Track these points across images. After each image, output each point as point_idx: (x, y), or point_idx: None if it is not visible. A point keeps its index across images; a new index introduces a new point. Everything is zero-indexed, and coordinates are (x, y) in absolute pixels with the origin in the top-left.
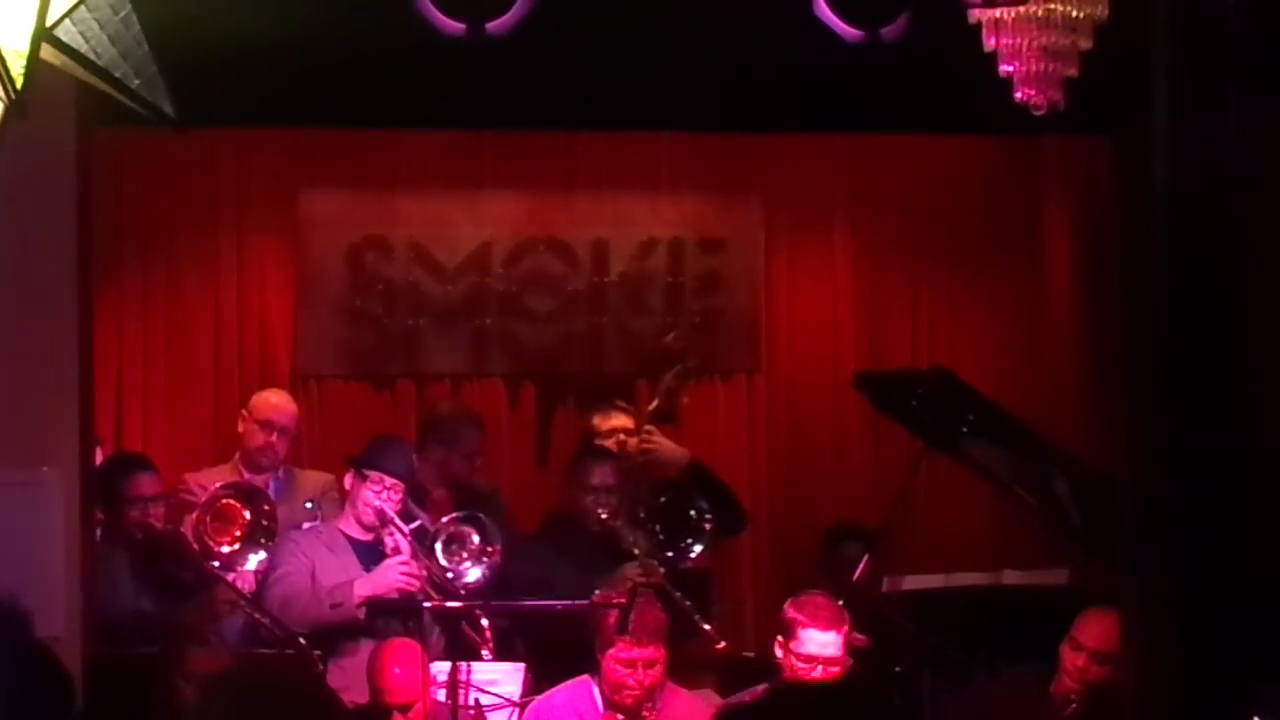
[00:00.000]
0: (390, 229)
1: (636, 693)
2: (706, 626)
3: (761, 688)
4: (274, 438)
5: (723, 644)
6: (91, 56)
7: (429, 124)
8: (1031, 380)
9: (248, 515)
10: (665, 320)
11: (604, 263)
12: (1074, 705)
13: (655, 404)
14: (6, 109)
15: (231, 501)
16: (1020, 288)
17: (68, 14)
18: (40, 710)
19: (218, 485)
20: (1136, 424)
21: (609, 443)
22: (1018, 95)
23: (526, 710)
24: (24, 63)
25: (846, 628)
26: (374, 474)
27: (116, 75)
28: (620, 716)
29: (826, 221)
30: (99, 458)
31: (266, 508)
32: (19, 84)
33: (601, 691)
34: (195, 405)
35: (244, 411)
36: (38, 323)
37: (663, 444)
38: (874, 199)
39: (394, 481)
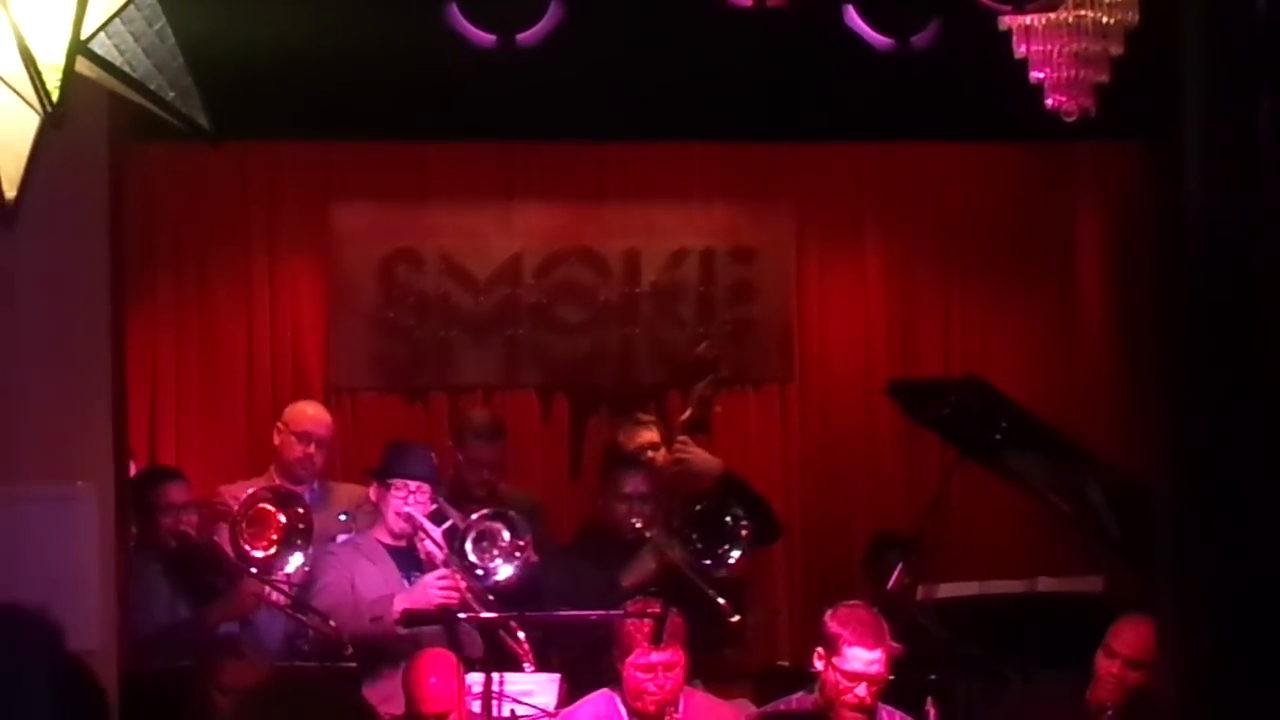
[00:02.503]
0: (421, 241)
1: (659, 696)
2: (721, 601)
3: (797, 696)
4: (312, 449)
5: (738, 618)
6: (126, 69)
7: (459, 135)
8: (1065, 387)
9: (283, 519)
10: (697, 330)
11: (635, 273)
12: (1109, 712)
13: (688, 414)
14: (42, 122)
15: (266, 506)
16: (1053, 295)
17: (103, 27)
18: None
19: (253, 489)
20: (1171, 430)
21: (646, 427)
22: (1049, 102)
23: None
24: (59, 76)
25: (888, 641)
26: (396, 481)
27: (151, 88)
28: None
29: (858, 230)
30: (131, 471)
31: (301, 510)
32: (54, 97)
33: (624, 700)
34: (228, 418)
35: (279, 424)
36: (71, 337)
37: (696, 454)
38: (905, 207)
39: (418, 484)
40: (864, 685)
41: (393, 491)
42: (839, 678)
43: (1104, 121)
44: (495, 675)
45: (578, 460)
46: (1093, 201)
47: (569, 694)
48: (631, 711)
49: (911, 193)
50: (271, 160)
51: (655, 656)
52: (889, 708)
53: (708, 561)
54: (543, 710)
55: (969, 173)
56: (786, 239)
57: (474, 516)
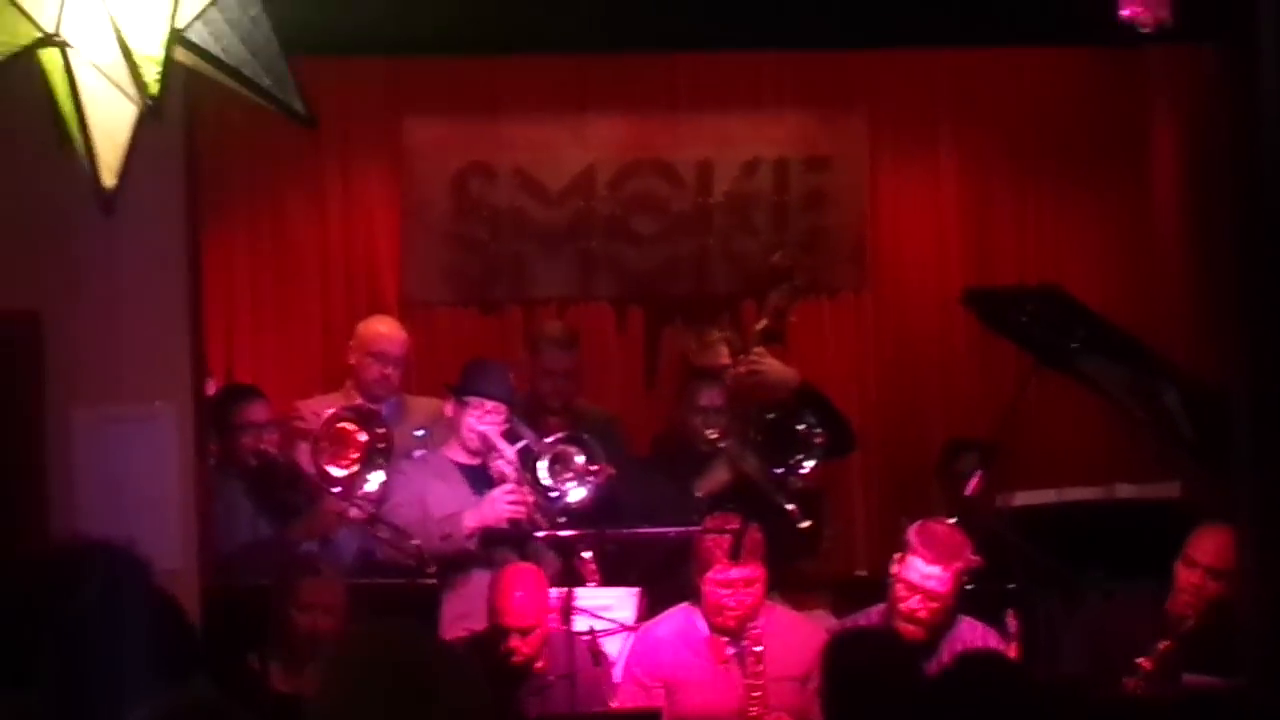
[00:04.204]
0: (494, 155)
1: (739, 612)
2: (790, 507)
3: (876, 609)
4: (389, 370)
5: (807, 523)
6: (222, 56)
7: (531, 48)
8: (1141, 293)
9: (363, 438)
10: (771, 240)
11: (709, 183)
12: (1189, 622)
13: (763, 324)
14: (140, 113)
15: (347, 425)
16: (1128, 200)
17: (199, 16)
18: (165, 659)
19: (333, 409)
20: (1247, 335)
21: (716, 351)
22: (1124, 13)
23: (632, 641)
24: (157, 68)
25: (959, 564)
26: (473, 399)
27: (246, 74)
28: (725, 639)
29: (931, 137)
30: (210, 389)
31: (381, 429)
32: (153, 89)
33: (703, 616)
34: (304, 335)
35: (353, 343)
36: (146, 259)
37: (771, 365)
38: (979, 113)
39: (494, 405)
40: (919, 598)
41: (469, 409)
42: (899, 585)
43: (1179, 24)
44: (574, 590)
45: (653, 371)
46: (1167, 105)
47: (648, 607)
48: (711, 626)
49: (985, 99)
50: (344, 77)
51: (735, 572)
52: (970, 619)
53: (781, 470)
54: (622, 624)
55: (1043, 78)
56: (860, 147)
57: (549, 440)
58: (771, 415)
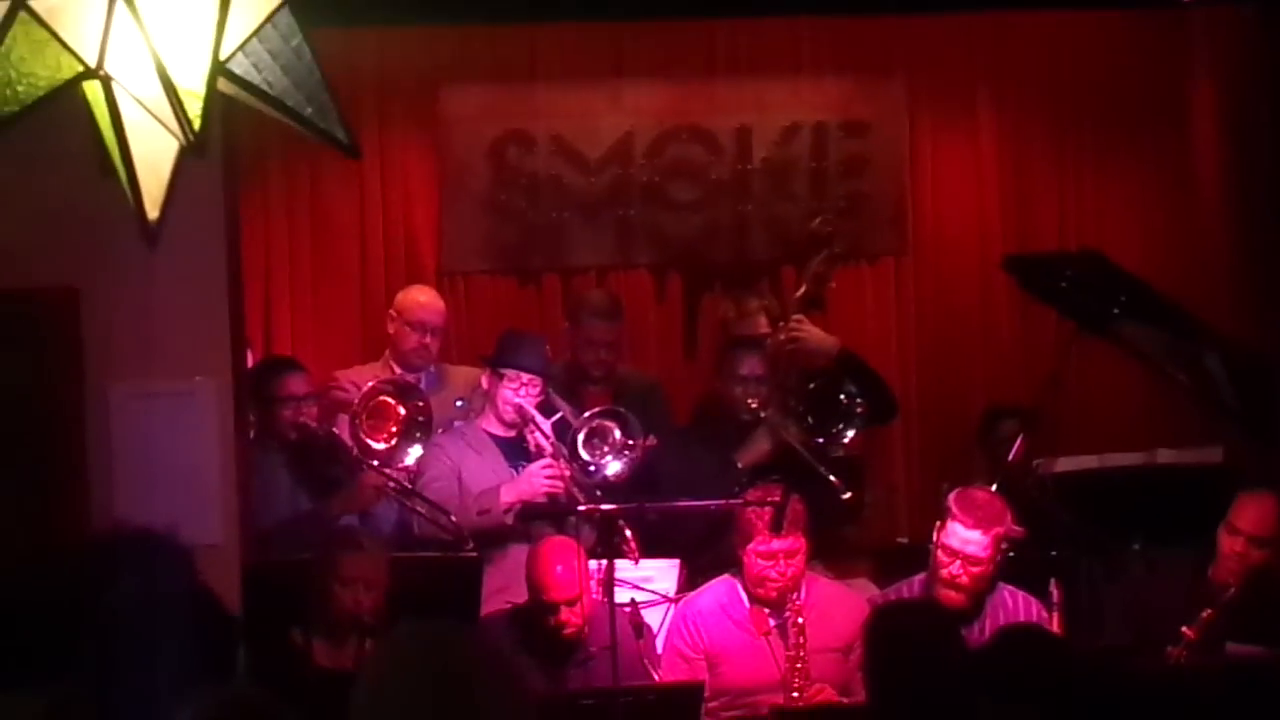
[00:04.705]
0: (531, 123)
1: (781, 583)
2: (833, 478)
3: (918, 578)
4: (427, 339)
5: (849, 494)
6: (264, 87)
7: (567, 16)
8: (1182, 258)
9: (403, 411)
10: (810, 206)
11: (747, 150)
12: (1232, 590)
13: (802, 290)
14: (183, 149)
15: (386, 398)
16: (1169, 163)
17: (241, 47)
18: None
19: (372, 382)
20: None
21: (755, 321)
22: None
23: (674, 613)
24: (200, 103)
25: (999, 530)
26: (509, 371)
27: (289, 104)
28: (766, 611)
29: (970, 101)
30: (249, 361)
31: (421, 403)
32: (196, 124)
33: (745, 587)
34: (342, 305)
35: (392, 312)
36: (184, 232)
37: (811, 332)
38: (1018, 77)
39: (530, 377)
40: (959, 564)
41: (505, 381)
42: (940, 552)
43: None
44: (614, 562)
45: (693, 338)
46: (1207, 67)
47: (689, 578)
48: (753, 598)
49: (1024, 63)
50: (380, 46)
51: (776, 544)
52: (1010, 587)
53: (822, 439)
54: (664, 595)
55: (1081, 42)
56: (898, 112)
57: (586, 415)
58: (813, 384)
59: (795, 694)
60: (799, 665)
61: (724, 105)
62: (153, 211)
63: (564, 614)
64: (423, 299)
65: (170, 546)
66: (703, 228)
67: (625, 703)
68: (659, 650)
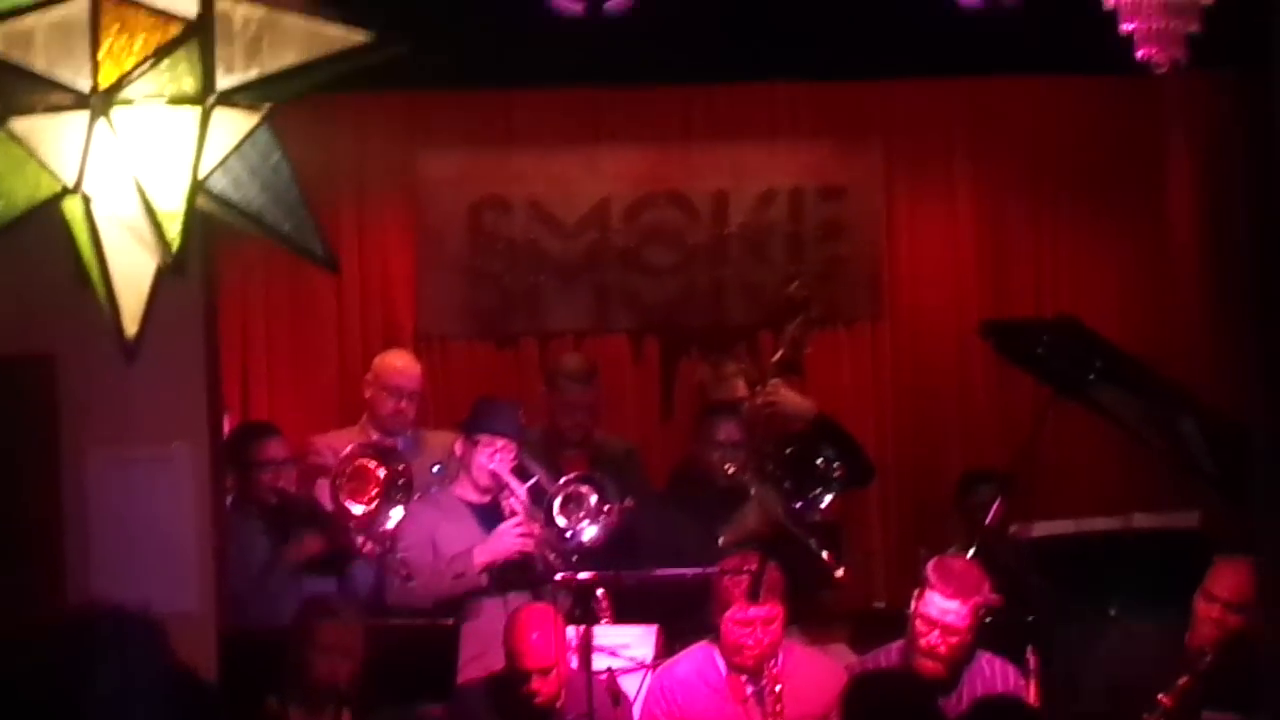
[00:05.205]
0: (509, 187)
1: (758, 651)
2: (825, 554)
3: (895, 645)
4: (403, 404)
5: (842, 572)
6: (243, 204)
7: (545, 82)
8: (1158, 322)
9: (383, 474)
10: (787, 270)
11: (724, 214)
12: (1209, 657)
13: (780, 355)
14: (161, 270)
15: (365, 462)
16: (1145, 229)
17: (220, 164)
18: None
19: (352, 446)
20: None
21: (732, 385)
22: (1139, 54)
23: (651, 680)
24: (179, 224)
25: (978, 599)
26: (483, 437)
27: (267, 221)
28: (744, 678)
29: (947, 166)
30: (227, 426)
31: (401, 465)
32: (175, 246)
33: (722, 654)
34: (320, 369)
35: (369, 377)
36: (163, 297)
37: (788, 396)
38: (995, 143)
39: (505, 442)
40: (938, 633)
41: (479, 447)
42: (918, 621)
43: (1194, 51)
44: (591, 629)
45: (670, 402)
46: (1184, 133)
47: (667, 645)
48: (730, 665)
49: (1001, 128)
50: (358, 111)
51: (753, 611)
52: (988, 655)
53: (800, 505)
54: (641, 663)
55: (1058, 107)
56: (875, 176)
57: (561, 480)
58: (790, 449)
59: None
60: None
61: (701, 170)
62: (131, 328)
63: (536, 682)
64: (399, 364)
65: (145, 624)
66: (680, 292)
67: None
68: (636, 718)
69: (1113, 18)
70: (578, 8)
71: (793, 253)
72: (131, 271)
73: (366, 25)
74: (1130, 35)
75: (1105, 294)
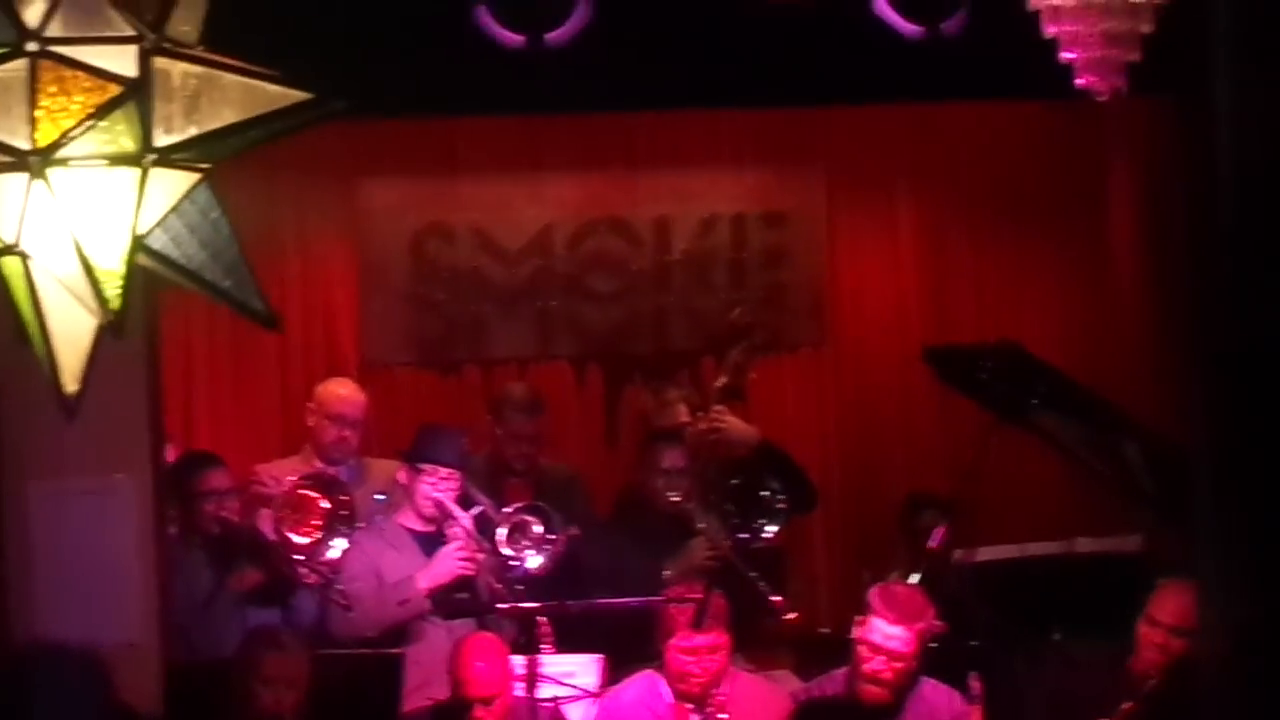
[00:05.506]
0: (452, 215)
1: (703, 679)
2: (776, 598)
3: (840, 672)
4: (346, 432)
5: (793, 615)
6: (183, 261)
7: (487, 110)
8: (1100, 347)
9: (326, 505)
10: (730, 297)
11: (667, 241)
12: (1153, 682)
13: (723, 381)
14: (100, 329)
15: (308, 492)
16: (1087, 254)
17: (159, 223)
18: None
19: (294, 477)
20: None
21: (675, 411)
22: (1079, 82)
23: (597, 708)
24: (119, 283)
25: (921, 625)
26: (427, 466)
27: (207, 278)
28: (690, 706)
29: (889, 192)
30: (169, 456)
31: (344, 496)
32: (114, 304)
33: (667, 682)
34: (263, 398)
35: (311, 405)
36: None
37: (732, 423)
38: (937, 169)
39: (448, 471)
40: (882, 659)
41: (422, 476)
42: (862, 647)
43: (1135, 77)
44: (536, 657)
45: (613, 429)
46: (1125, 158)
47: (611, 673)
48: (675, 693)
49: (942, 154)
50: (299, 140)
51: (699, 640)
52: (932, 681)
53: (745, 535)
54: (585, 691)
55: (999, 133)
56: (817, 203)
57: (507, 510)
58: (735, 480)
59: None
60: None
61: (643, 197)
62: (71, 385)
63: (480, 711)
64: (342, 392)
65: (85, 661)
66: (623, 319)
67: None
68: None
69: (1053, 45)
70: (519, 38)
71: (735, 279)
72: (72, 329)
73: (305, 56)
74: (1070, 64)
75: (1047, 318)
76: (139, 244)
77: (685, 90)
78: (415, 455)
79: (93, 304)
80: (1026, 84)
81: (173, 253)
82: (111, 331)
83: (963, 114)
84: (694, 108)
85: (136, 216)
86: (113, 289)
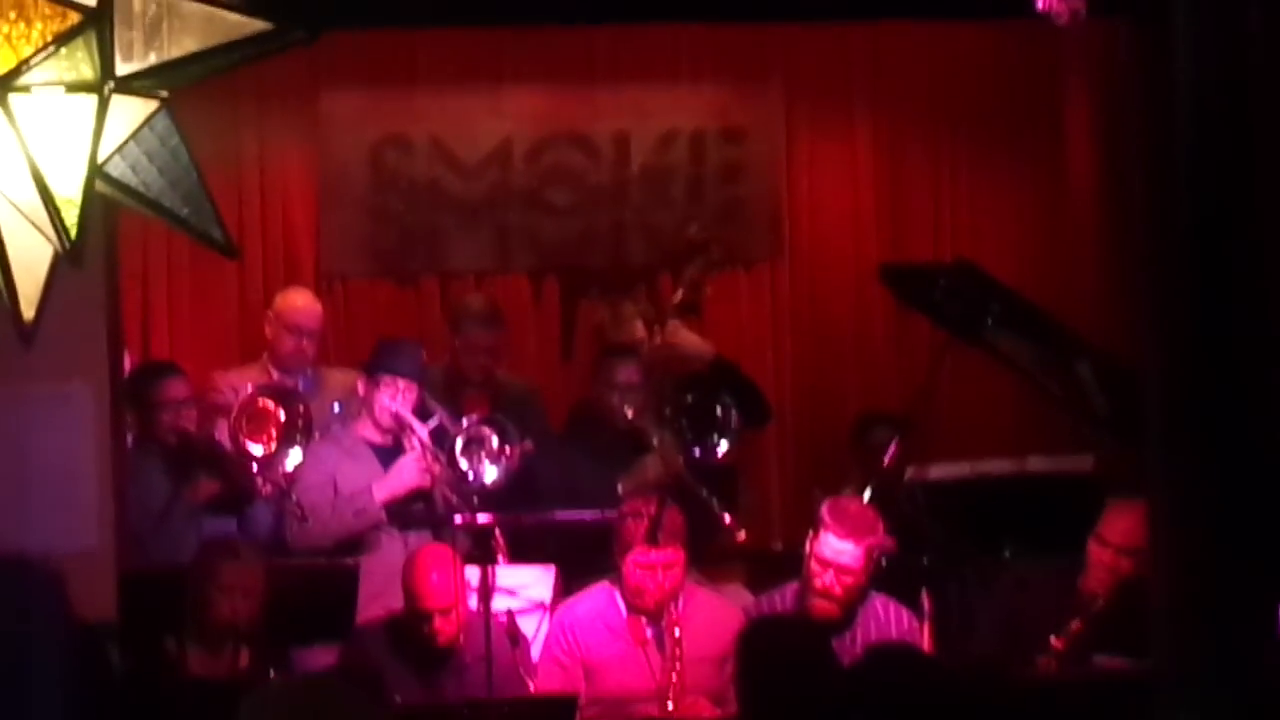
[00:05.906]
0: (411, 126)
1: (658, 595)
2: (727, 517)
3: (790, 587)
4: (303, 342)
5: (743, 534)
6: (141, 189)
7: (448, 21)
8: (1055, 267)
9: (282, 415)
10: (687, 212)
11: (625, 156)
12: (1100, 601)
13: (679, 297)
14: (58, 256)
15: (265, 402)
16: (1043, 174)
17: (118, 150)
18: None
19: (250, 387)
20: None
21: (630, 327)
22: (1039, 5)
23: (551, 620)
24: (76, 211)
25: (872, 541)
26: (385, 377)
27: (166, 205)
28: (643, 620)
29: (847, 109)
30: (127, 364)
31: (301, 407)
32: (73, 233)
33: (623, 596)
34: (221, 307)
35: (270, 314)
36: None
37: (687, 338)
38: (895, 87)
39: (406, 383)
40: (832, 574)
41: (381, 387)
42: (813, 562)
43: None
44: (491, 568)
45: (569, 343)
46: (1082, 80)
47: (564, 585)
48: (630, 607)
49: (901, 72)
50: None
51: (655, 556)
52: (883, 597)
53: (698, 452)
54: (539, 603)
55: (958, 52)
56: (776, 119)
57: (463, 422)
58: (689, 397)
59: (670, 704)
60: (675, 676)
61: (603, 111)
62: (28, 312)
63: (438, 622)
64: (299, 302)
65: (38, 573)
66: (580, 233)
67: (500, 714)
68: (535, 658)
69: None
70: None
71: (693, 194)
72: (29, 256)
73: None
74: None
75: (1002, 238)
76: (98, 171)
77: (646, 4)
78: (373, 366)
79: (50, 232)
80: (985, 3)
81: (131, 180)
82: (69, 261)
83: (922, 33)
84: (655, 21)
85: (95, 144)
86: (71, 217)
